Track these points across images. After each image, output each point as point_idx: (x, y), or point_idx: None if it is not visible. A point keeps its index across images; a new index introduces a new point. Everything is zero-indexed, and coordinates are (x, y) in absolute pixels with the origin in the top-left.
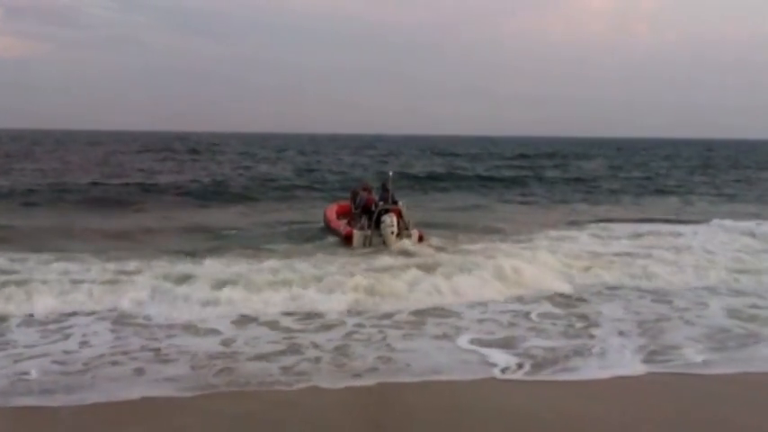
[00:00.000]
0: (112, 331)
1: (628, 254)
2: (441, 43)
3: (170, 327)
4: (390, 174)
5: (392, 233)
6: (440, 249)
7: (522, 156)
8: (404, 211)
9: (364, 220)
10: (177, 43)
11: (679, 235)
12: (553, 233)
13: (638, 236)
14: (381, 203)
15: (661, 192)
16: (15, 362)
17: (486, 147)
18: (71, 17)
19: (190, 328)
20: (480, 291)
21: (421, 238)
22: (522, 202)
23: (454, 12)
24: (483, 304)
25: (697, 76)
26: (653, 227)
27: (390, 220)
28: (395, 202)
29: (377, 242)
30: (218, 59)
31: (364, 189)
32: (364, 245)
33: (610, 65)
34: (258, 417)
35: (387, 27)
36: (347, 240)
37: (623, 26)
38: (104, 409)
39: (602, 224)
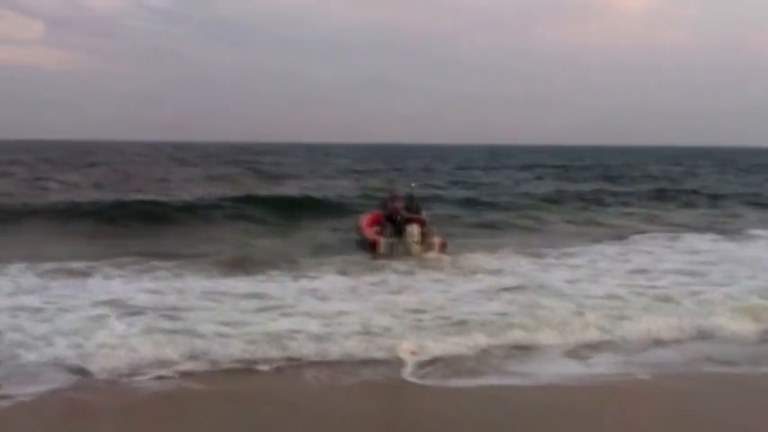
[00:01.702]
0: None
1: None
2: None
3: None
4: (413, 185)
5: (414, 243)
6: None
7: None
8: (426, 221)
9: (389, 229)
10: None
11: None
12: None
13: None
14: (405, 212)
15: None
16: None
17: (544, 156)
18: (111, 30)
19: None
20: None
21: (443, 246)
22: None
23: (472, 17)
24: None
25: (739, 82)
26: None
27: (413, 231)
28: (418, 212)
29: (401, 250)
30: (258, 70)
31: (392, 198)
32: (389, 253)
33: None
34: None
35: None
36: (372, 247)
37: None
38: None
39: None
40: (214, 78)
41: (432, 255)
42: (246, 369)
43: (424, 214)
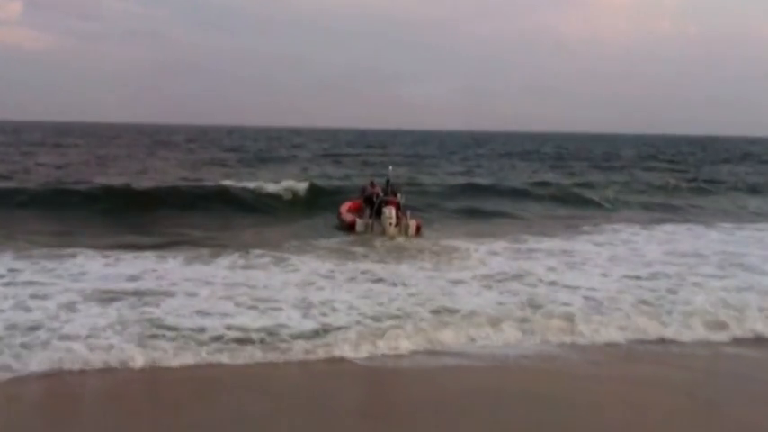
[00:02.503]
0: None
1: None
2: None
3: None
4: (390, 168)
5: (390, 224)
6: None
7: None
8: (401, 202)
9: (367, 210)
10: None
11: None
12: None
13: None
14: (382, 195)
15: None
16: None
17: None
18: (92, 11)
19: None
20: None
21: (419, 228)
22: None
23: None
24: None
25: (719, 72)
26: None
27: (389, 213)
28: (394, 194)
29: (377, 230)
30: (238, 54)
31: (371, 185)
32: (365, 231)
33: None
34: None
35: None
36: (350, 228)
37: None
38: None
39: None
40: (197, 62)
41: (401, 239)
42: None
43: (400, 197)
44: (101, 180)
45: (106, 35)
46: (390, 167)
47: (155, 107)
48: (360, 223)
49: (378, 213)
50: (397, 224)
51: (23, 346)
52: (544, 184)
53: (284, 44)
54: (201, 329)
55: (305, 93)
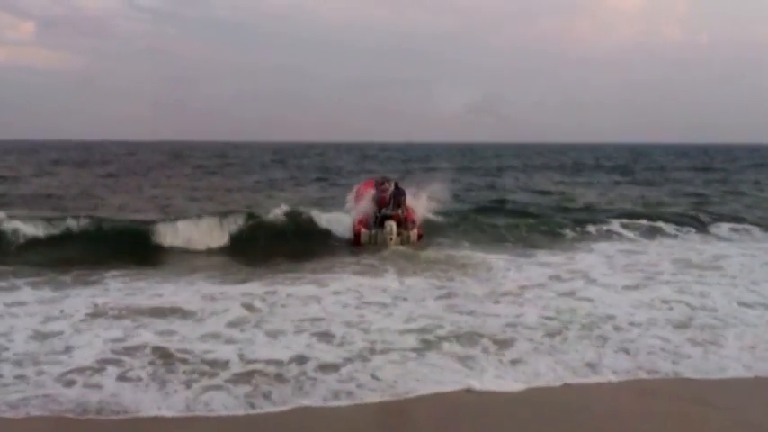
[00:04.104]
0: None
1: None
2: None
3: None
4: (394, 183)
5: (390, 239)
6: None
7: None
8: (400, 215)
9: (373, 221)
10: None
11: None
12: None
13: None
14: (383, 210)
15: None
16: None
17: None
18: (103, 29)
19: None
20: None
21: (420, 237)
22: None
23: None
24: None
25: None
26: None
27: (390, 228)
28: (398, 206)
29: (380, 239)
30: (251, 69)
31: (382, 182)
32: (369, 242)
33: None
34: None
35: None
36: (356, 238)
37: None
38: None
39: None
40: (207, 78)
41: (401, 248)
42: None
43: (400, 212)
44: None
45: (118, 53)
46: (394, 182)
47: (170, 124)
48: (364, 235)
49: (381, 225)
50: (399, 234)
51: None
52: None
53: (290, 58)
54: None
55: (315, 106)
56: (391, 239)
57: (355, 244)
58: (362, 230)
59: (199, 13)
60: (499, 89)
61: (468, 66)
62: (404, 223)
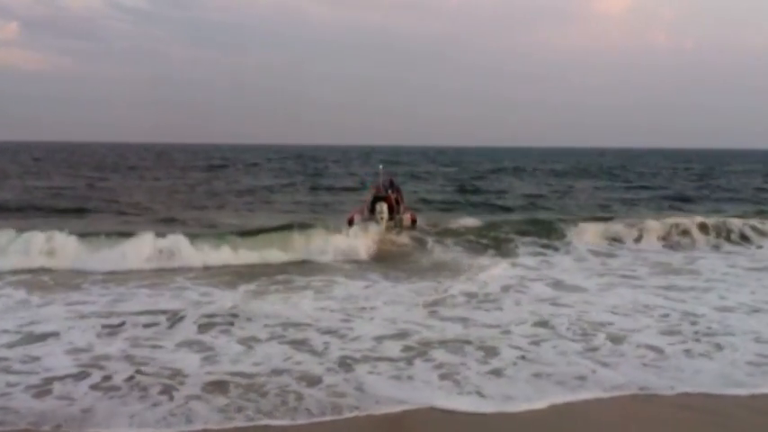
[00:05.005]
0: None
1: None
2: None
3: None
4: (381, 167)
5: (381, 218)
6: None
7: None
8: (392, 198)
9: (369, 206)
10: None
11: None
12: None
13: None
14: (375, 193)
15: None
16: None
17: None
18: (88, 30)
19: None
20: None
21: (414, 222)
22: None
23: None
24: None
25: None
26: None
27: (380, 208)
28: (388, 192)
29: (372, 221)
30: (235, 70)
31: (375, 185)
32: (360, 223)
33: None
34: None
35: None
36: (349, 223)
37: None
38: None
39: None
40: (194, 80)
41: (391, 226)
42: None
43: (391, 193)
44: None
45: (102, 54)
46: (381, 166)
47: (155, 126)
48: (357, 219)
49: (373, 210)
50: (391, 218)
51: None
52: None
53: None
54: None
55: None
56: (382, 218)
57: (348, 225)
58: (355, 216)
59: (184, 14)
60: (489, 92)
61: (459, 68)
62: (396, 207)
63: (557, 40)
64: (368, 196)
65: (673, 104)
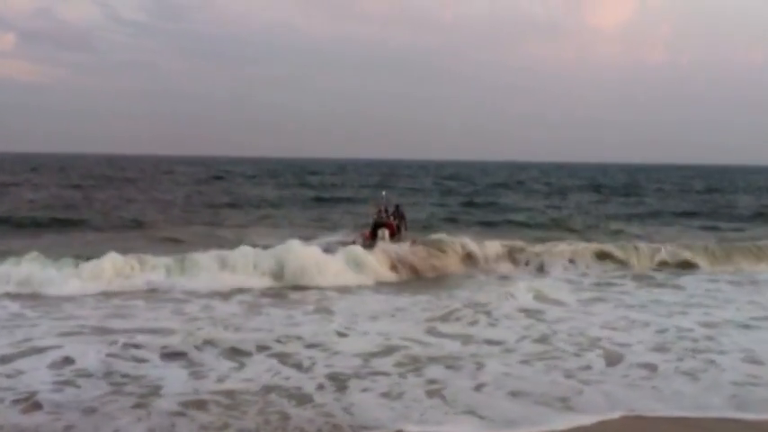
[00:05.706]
0: None
1: None
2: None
3: None
4: (383, 193)
5: (382, 242)
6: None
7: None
8: (394, 225)
9: (368, 232)
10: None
11: None
12: None
13: None
14: (383, 216)
15: None
16: None
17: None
18: (86, 42)
19: None
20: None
21: (414, 244)
22: None
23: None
24: None
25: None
26: None
27: (382, 234)
28: (390, 219)
29: (374, 246)
30: (231, 83)
31: (379, 207)
32: (364, 247)
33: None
34: None
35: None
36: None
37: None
38: None
39: None
40: (191, 92)
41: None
42: None
43: (393, 219)
44: None
45: (100, 66)
46: (383, 192)
47: (148, 138)
48: (359, 241)
49: (374, 235)
50: (391, 242)
51: None
52: None
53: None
54: None
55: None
56: (383, 243)
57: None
58: (357, 241)
59: (181, 27)
60: (485, 107)
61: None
62: (397, 233)
63: (553, 53)
64: (371, 216)
65: (670, 119)
